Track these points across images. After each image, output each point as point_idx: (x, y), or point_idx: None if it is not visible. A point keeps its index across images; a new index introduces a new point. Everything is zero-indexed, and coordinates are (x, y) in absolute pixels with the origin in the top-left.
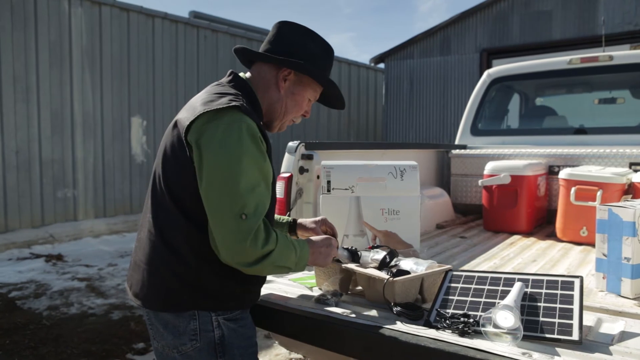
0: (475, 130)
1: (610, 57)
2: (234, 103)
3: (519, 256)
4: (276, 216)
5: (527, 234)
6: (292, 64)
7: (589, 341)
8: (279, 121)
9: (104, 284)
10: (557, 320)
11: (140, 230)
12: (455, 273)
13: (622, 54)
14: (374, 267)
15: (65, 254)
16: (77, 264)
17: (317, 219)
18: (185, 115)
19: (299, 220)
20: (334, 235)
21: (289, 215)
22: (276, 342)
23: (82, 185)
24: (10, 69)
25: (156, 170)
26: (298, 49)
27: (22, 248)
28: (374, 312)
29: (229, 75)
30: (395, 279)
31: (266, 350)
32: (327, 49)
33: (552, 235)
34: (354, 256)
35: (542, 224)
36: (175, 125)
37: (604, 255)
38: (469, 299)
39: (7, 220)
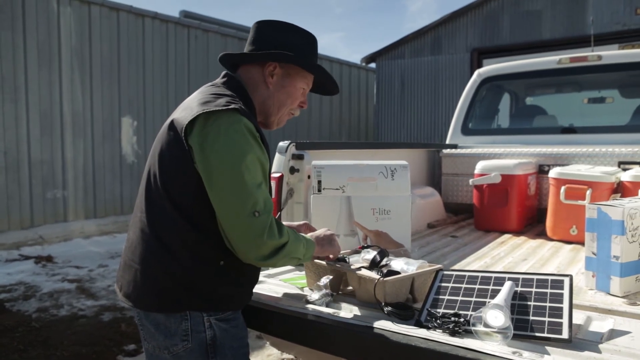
0: (466, 130)
1: (599, 57)
2: (232, 105)
3: (509, 255)
4: None
5: (518, 232)
6: (275, 56)
7: (579, 339)
8: (275, 117)
9: (94, 285)
10: (547, 319)
11: (131, 230)
12: (445, 272)
13: (611, 54)
14: (365, 267)
15: (55, 255)
16: (67, 265)
17: (301, 222)
18: (183, 114)
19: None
20: None
21: (279, 216)
22: (268, 342)
23: (71, 186)
24: None
25: (151, 169)
26: (280, 44)
27: (11, 249)
28: (364, 312)
29: (224, 77)
30: (386, 278)
31: (258, 351)
32: (309, 38)
33: (542, 234)
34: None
35: (532, 223)
36: (172, 124)
37: (594, 253)
38: (460, 298)
39: None
